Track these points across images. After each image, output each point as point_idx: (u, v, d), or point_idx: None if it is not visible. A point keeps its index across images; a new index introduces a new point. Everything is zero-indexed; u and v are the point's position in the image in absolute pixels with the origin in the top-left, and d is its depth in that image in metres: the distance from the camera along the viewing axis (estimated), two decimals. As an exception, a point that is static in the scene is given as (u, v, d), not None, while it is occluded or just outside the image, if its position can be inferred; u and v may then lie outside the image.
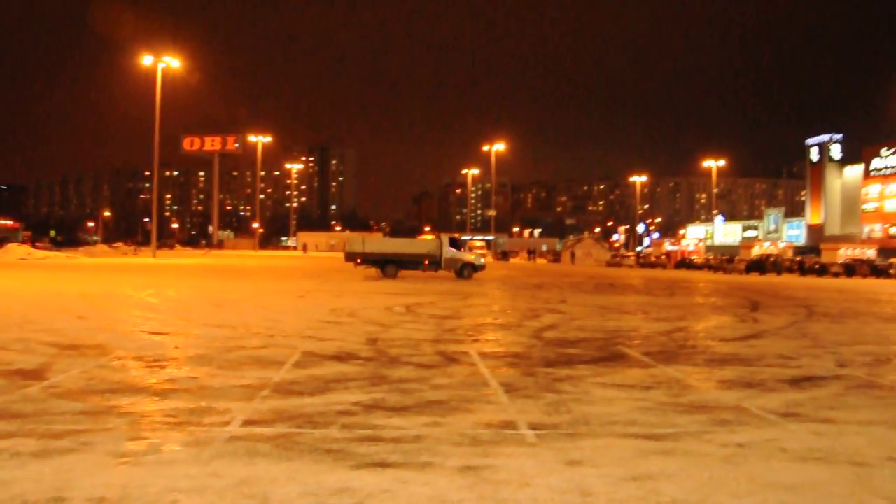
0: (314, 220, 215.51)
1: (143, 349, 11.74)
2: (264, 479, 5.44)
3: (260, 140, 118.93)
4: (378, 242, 43.13)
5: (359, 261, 36.91)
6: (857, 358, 12.73)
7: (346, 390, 8.70)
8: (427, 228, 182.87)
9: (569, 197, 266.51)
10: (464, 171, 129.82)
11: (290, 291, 26.31)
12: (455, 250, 36.49)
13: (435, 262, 35.87)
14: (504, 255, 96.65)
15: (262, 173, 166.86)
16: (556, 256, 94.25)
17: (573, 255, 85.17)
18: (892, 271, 63.92)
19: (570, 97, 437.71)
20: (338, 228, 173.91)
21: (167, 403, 7.92)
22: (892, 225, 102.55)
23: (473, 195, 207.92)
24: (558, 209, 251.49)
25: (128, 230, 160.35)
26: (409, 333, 14.36)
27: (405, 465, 5.85)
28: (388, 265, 35.97)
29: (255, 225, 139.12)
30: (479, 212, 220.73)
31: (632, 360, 11.59)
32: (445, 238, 37.85)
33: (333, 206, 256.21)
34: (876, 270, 66.38)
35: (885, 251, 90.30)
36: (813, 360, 12.23)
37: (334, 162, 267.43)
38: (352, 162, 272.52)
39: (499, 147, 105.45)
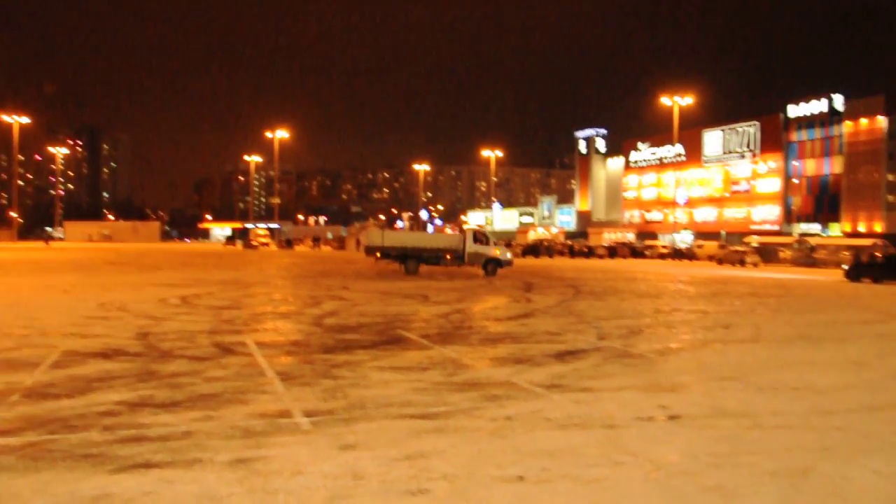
0: (84, 208, 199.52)
1: None
2: (5, 497, 4.93)
3: (16, 120, 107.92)
4: (398, 236, 39.10)
5: (378, 255, 34.01)
6: (614, 331, 13.88)
7: (110, 389, 8.13)
8: (208, 216, 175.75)
9: (353, 185, 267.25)
10: (247, 158, 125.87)
11: (53, 286, 24.13)
12: (480, 245, 33.47)
13: (458, 257, 33.04)
14: (288, 243, 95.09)
15: (21, 157, 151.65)
16: (341, 244, 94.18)
17: (358, 243, 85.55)
18: (647, 253, 70.66)
19: (354, 86, 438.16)
20: (111, 217, 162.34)
21: None
22: (648, 211, 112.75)
23: (257, 183, 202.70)
24: (343, 197, 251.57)
25: None
26: (183, 326, 13.69)
27: (172, 463, 5.56)
28: (409, 260, 33.17)
29: (14, 214, 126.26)
30: (263, 199, 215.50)
31: (410, 343, 11.84)
32: (469, 232, 35.13)
33: (106, 194, 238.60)
34: (635, 252, 72.99)
35: (642, 234, 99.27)
36: (577, 335, 13.16)
37: (106, 147, 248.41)
38: (126, 147, 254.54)
39: (282, 134, 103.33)
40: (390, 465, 5.60)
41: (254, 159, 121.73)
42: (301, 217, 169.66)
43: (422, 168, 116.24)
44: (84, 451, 5.83)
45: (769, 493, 5.17)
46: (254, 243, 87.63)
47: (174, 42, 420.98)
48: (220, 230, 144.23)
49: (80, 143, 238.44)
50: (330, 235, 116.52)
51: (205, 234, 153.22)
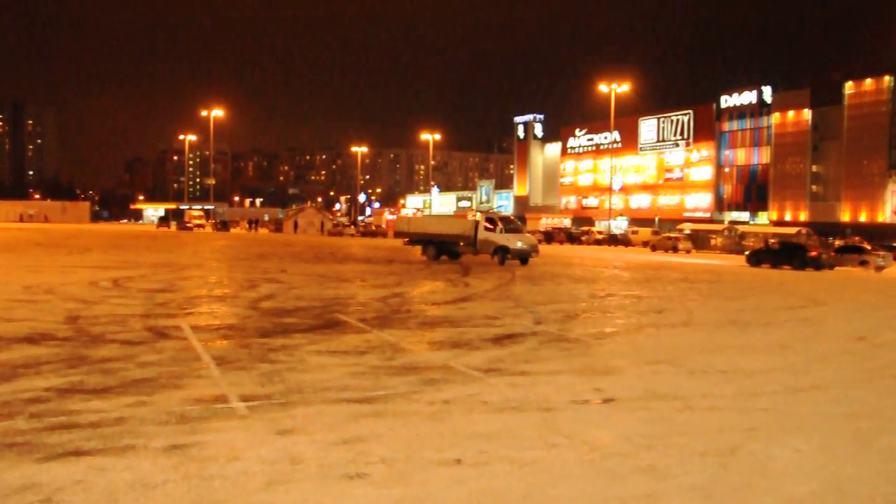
0: (6, 187, 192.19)
1: None
2: (-74, 483, 4.77)
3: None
4: (419, 222, 36.86)
5: (406, 241, 33.30)
6: (551, 315, 14.08)
7: (37, 375, 7.88)
8: (141, 197, 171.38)
9: (291, 166, 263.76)
10: (181, 137, 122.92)
11: (-27, 268, 23.25)
12: (491, 232, 30.35)
13: (470, 244, 30.59)
14: (224, 225, 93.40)
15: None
16: (278, 226, 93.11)
17: (296, 225, 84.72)
18: (583, 238, 71.69)
19: (291, 67, 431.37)
20: (37, 197, 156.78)
21: None
22: (585, 197, 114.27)
23: (191, 163, 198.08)
24: (280, 178, 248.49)
25: None
26: (115, 309, 13.35)
27: (103, 451, 5.44)
28: (428, 246, 31.90)
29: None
30: (198, 180, 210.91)
31: (348, 327, 11.80)
32: (482, 217, 32.14)
33: (31, 172, 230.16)
34: (571, 237, 73.95)
35: (578, 220, 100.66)
36: (514, 320, 13.31)
37: (30, 122, 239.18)
38: (51, 123, 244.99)
39: (218, 113, 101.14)
40: (328, 449, 5.59)
41: (188, 138, 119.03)
42: (237, 198, 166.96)
43: (360, 150, 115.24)
44: (9, 441, 5.64)
45: (699, 472, 5.34)
46: (188, 225, 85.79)
47: (105, 17, 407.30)
48: (154, 211, 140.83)
49: (0, 117, 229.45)
50: (267, 217, 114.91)
51: (137, 215, 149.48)
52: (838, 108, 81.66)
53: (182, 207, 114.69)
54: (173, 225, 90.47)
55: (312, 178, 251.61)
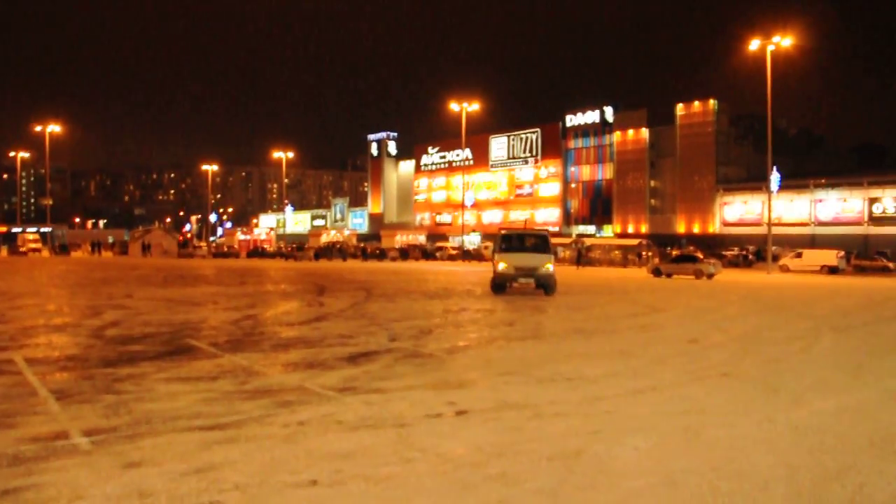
0: None
1: None
2: None
3: None
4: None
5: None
6: (406, 331, 14.25)
7: None
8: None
9: (137, 186, 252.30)
10: (11, 154, 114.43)
11: None
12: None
13: None
14: (63, 249, 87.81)
15: None
16: (123, 248, 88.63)
17: (144, 247, 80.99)
18: (438, 254, 72.86)
19: (137, 82, 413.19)
20: None
21: None
22: (438, 213, 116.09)
23: (25, 182, 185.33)
24: (126, 198, 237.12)
25: None
26: (-63, 344, 12.31)
27: (-74, 497, 5.05)
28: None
29: None
30: (33, 200, 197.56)
31: (199, 352, 11.46)
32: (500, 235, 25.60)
33: None
34: (426, 254, 74.96)
35: (433, 236, 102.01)
36: (369, 338, 13.36)
37: None
38: None
39: (54, 128, 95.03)
40: (179, 479, 5.44)
41: (20, 154, 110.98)
42: (78, 220, 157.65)
43: (210, 169, 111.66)
44: None
45: (546, 476, 5.61)
46: (22, 249, 79.93)
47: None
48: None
49: None
50: (111, 240, 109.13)
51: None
52: (672, 128, 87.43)
53: (15, 230, 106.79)
54: (4, 249, 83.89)
55: (160, 197, 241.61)
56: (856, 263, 54.54)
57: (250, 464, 5.82)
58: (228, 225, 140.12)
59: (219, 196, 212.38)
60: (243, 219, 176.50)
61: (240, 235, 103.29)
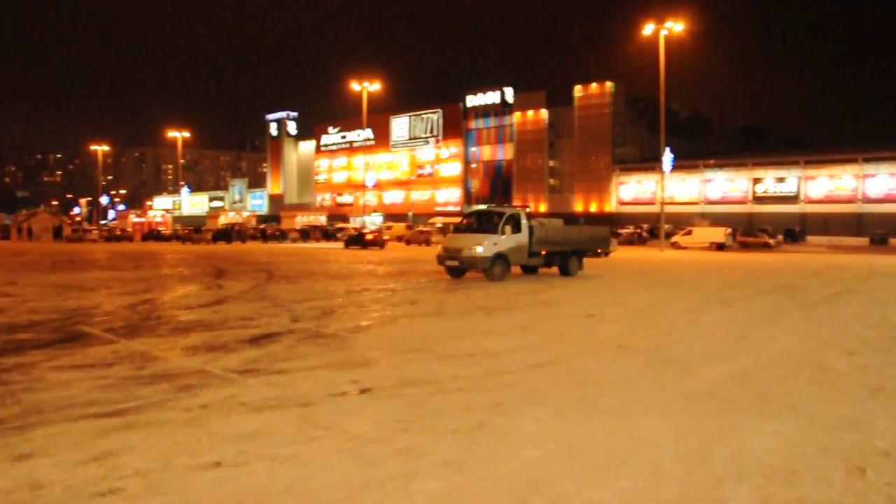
0: None
1: None
2: None
3: None
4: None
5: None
6: (308, 312, 14.16)
7: None
8: None
9: (19, 167, 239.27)
10: None
11: None
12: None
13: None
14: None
15: None
16: (4, 233, 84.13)
17: (29, 231, 77.06)
18: (339, 235, 71.83)
19: (20, 55, 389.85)
20: None
21: None
22: (339, 194, 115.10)
23: None
24: (7, 180, 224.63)
25: None
26: None
27: None
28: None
29: None
30: None
31: (93, 339, 11.07)
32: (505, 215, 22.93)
33: None
34: (327, 235, 74.06)
35: (334, 217, 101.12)
36: (271, 319, 13.21)
37: None
38: None
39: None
40: (75, 469, 5.29)
41: None
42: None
43: (101, 149, 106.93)
44: None
45: (450, 449, 5.74)
46: None
47: None
48: None
49: None
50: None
51: None
52: (570, 109, 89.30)
53: None
54: None
55: (46, 179, 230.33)
56: (741, 240, 57.32)
57: (151, 449, 5.72)
58: (121, 207, 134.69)
59: (110, 178, 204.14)
60: (137, 201, 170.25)
61: (133, 218, 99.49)
